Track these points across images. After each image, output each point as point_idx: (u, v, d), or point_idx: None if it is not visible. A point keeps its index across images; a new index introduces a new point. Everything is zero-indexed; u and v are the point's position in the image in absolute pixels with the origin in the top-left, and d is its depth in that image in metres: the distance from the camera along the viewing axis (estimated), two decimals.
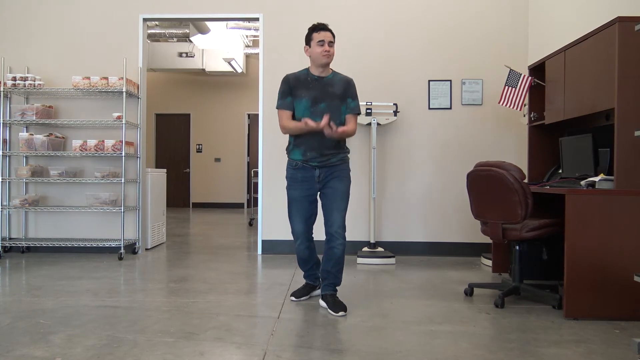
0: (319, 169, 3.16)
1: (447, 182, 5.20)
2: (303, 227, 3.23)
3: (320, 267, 3.28)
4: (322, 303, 3.19)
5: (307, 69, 3.23)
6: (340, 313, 3.04)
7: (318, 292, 3.40)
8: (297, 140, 3.18)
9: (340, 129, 3.06)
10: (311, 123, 2.97)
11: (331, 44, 3.12)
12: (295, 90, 3.15)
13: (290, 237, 3.18)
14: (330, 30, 3.15)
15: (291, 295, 3.39)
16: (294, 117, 3.18)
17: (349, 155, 3.29)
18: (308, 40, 3.17)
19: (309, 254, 3.30)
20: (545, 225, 3.23)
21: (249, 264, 4.78)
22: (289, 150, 3.26)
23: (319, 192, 3.22)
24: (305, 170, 3.17)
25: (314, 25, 3.17)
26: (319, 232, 3.31)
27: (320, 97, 3.13)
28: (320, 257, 3.34)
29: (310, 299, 3.41)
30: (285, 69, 5.34)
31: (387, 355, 2.39)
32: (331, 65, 3.24)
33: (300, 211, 3.21)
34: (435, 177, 5.23)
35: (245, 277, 4.27)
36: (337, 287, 3.22)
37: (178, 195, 11.35)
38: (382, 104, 5.02)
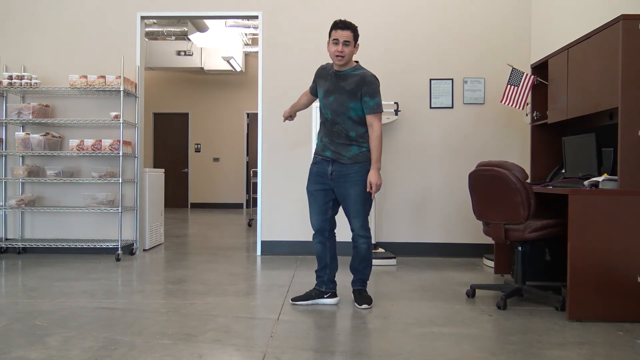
0: (332, 164, 3.19)
1: (448, 182, 5.17)
2: (319, 220, 3.28)
3: (349, 264, 3.33)
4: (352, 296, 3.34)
5: (333, 62, 3.23)
6: (364, 306, 3.19)
7: (323, 300, 3.28)
8: (319, 130, 3.34)
9: (374, 157, 3.15)
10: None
11: (347, 43, 3.07)
12: (318, 80, 3.34)
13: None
14: (349, 28, 3.09)
15: (292, 299, 3.32)
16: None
17: (365, 152, 3.17)
18: (329, 36, 3.16)
19: (322, 250, 3.31)
20: (548, 226, 3.20)
21: (248, 265, 4.75)
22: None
23: (333, 189, 3.24)
24: (320, 165, 3.26)
25: (334, 22, 3.14)
26: (344, 233, 3.38)
27: (331, 90, 3.20)
28: (334, 261, 3.36)
29: (312, 305, 3.28)
30: (285, 68, 5.39)
31: (388, 357, 2.36)
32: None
33: (314, 204, 3.29)
34: (437, 177, 5.20)
35: (245, 278, 4.23)
36: (365, 282, 3.33)
37: (176, 196, 11.30)
38: (383, 103, 4.96)
